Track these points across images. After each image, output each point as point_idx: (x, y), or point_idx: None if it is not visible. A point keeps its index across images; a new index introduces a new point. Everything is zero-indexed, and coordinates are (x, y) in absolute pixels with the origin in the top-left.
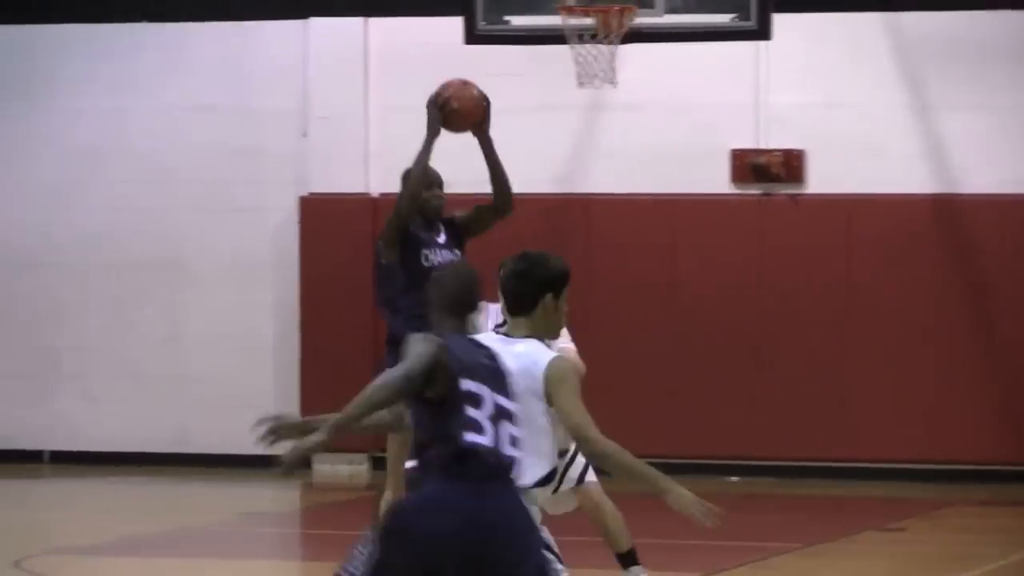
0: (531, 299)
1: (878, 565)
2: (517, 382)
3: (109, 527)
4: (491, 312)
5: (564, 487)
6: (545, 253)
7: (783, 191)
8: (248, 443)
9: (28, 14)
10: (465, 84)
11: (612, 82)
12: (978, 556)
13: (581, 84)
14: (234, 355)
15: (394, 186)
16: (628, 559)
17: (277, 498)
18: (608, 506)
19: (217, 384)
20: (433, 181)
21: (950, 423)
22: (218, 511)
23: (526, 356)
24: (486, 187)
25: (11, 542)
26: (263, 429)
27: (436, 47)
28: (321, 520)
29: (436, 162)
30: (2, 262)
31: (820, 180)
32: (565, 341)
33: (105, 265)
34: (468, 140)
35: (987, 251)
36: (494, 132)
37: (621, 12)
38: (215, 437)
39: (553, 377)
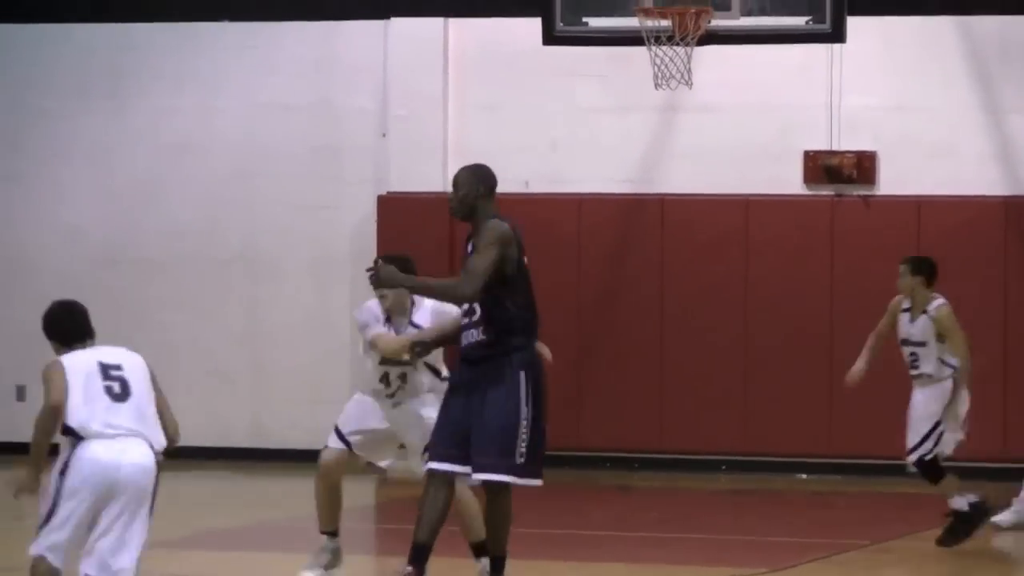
0: None
1: (944, 563)
2: None
3: (187, 521)
4: (427, 308)
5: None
6: None
7: (855, 192)
8: (322, 438)
9: (119, 13)
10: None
11: (688, 84)
12: None
13: (658, 86)
14: (311, 350)
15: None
16: (480, 550)
17: (352, 492)
18: (467, 496)
19: (294, 379)
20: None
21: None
22: (294, 505)
23: None
24: (562, 186)
25: None
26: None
27: (514, 47)
28: (395, 515)
29: (511, 161)
30: (88, 257)
31: (891, 181)
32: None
33: (188, 260)
34: (542, 140)
35: None
36: (573, 129)
37: (697, 15)
38: (292, 431)
39: None
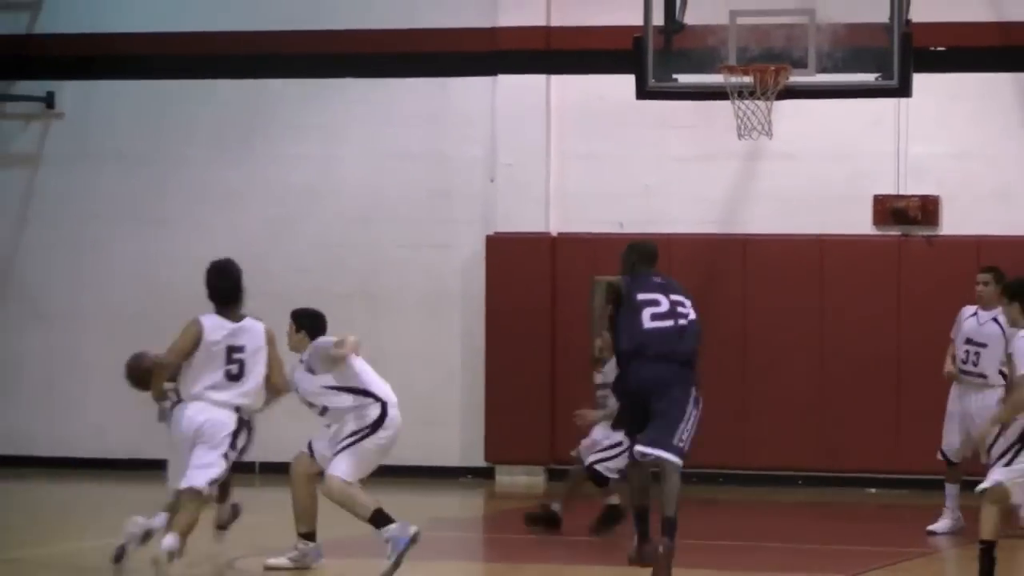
0: None
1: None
2: None
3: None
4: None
5: None
6: None
7: (919, 233)
8: (442, 455)
9: (253, 71)
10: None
11: (768, 134)
12: None
13: (741, 136)
14: (426, 377)
15: (570, 226)
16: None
17: (464, 505)
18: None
19: (411, 403)
20: None
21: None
22: (412, 516)
23: None
24: (654, 227)
25: (227, 545)
26: None
27: (610, 101)
28: (502, 526)
29: (607, 204)
30: None
31: (953, 223)
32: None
33: (313, 294)
34: (636, 185)
35: None
36: (663, 176)
37: (777, 72)
38: (409, 450)
39: None
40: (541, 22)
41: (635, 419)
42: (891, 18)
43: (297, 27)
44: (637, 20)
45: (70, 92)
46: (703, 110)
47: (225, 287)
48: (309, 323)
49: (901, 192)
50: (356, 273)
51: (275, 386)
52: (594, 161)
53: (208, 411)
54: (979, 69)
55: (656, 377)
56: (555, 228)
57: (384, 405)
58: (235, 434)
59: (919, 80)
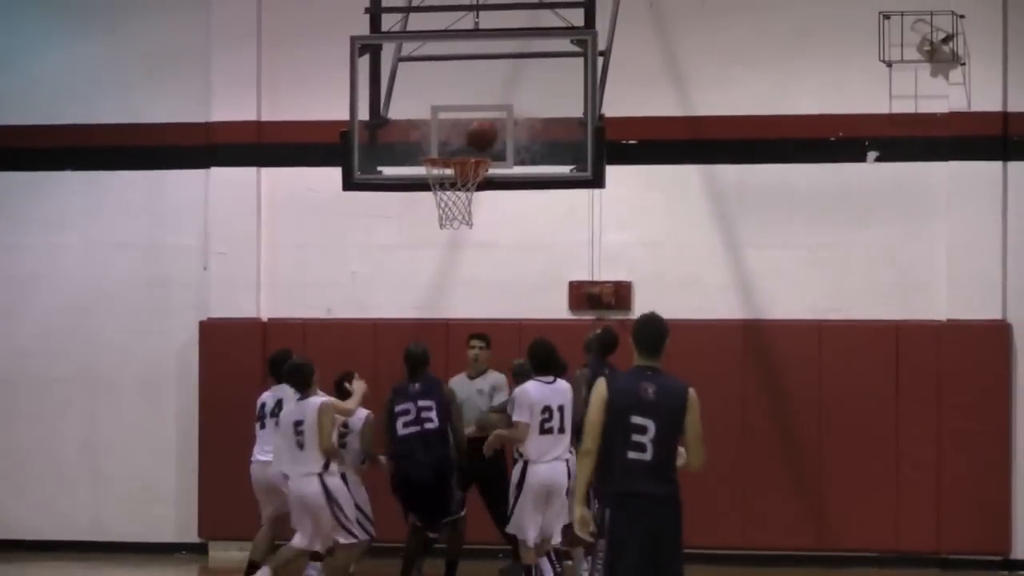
0: None
1: None
2: None
3: None
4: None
5: None
6: None
7: (613, 317)
8: (158, 532)
9: None
10: None
11: (469, 224)
12: None
13: (443, 226)
14: (144, 457)
15: (280, 311)
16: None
17: None
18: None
19: (129, 481)
20: None
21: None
22: None
23: None
24: (361, 312)
25: None
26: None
27: (318, 192)
28: None
29: (316, 291)
30: None
31: (645, 306)
32: None
33: (34, 378)
34: (344, 273)
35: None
36: (370, 263)
37: (476, 164)
38: (127, 526)
39: None
40: (252, 116)
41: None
42: (585, 113)
43: (17, 121)
44: (344, 115)
45: None
46: (408, 200)
47: None
48: None
49: (595, 278)
50: (75, 358)
51: None
52: (304, 249)
53: None
54: (669, 161)
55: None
56: (266, 314)
57: None
58: None
59: (612, 172)
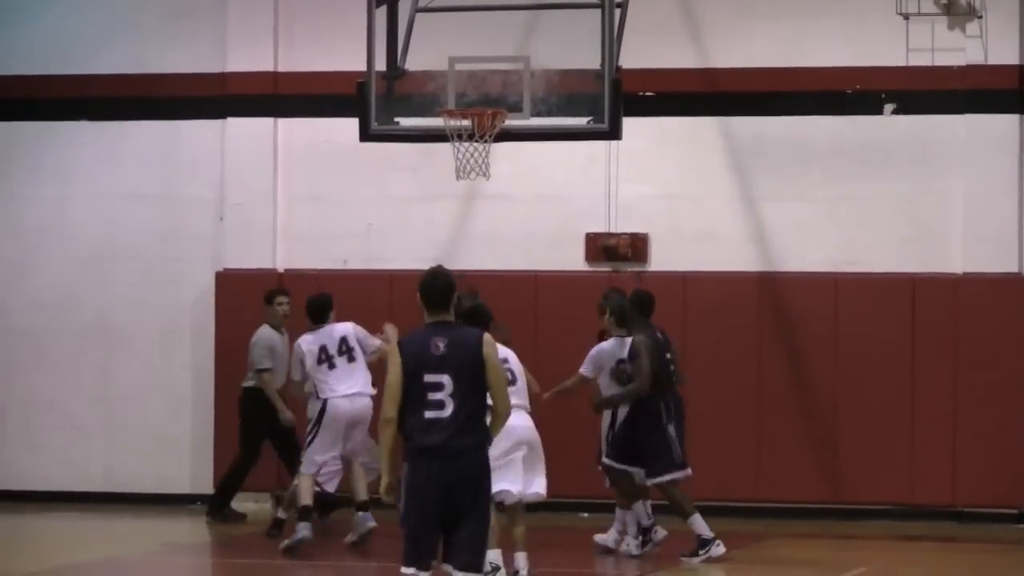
0: None
1: None
2: None
3: (48, 556)
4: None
5: None
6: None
7: (629, 269)
8: (173, 483)
9: None
10: None
11: (486, 175)
12: None
13: (459, 177)
14: (159, 409)
15: (296, 263)
16: None
17: (192, 532)
18: None
19: (142, 433)
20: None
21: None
22: (141, 543)
23: None
24: (376, 264)
25: None
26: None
27: (335, 143)
28: (229, 551)
29: (332, 243)
30: None
31: (661, 259)
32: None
33: (48, 330)
34: (359, 225)
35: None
36: (386, 215)
37: (493, 115)
38: (142, 479)
39: None
40: (269, 67)
41: None
42: (602, 65)
43: (31, 71)
44: (361, 66)
45: None
46: (424, 152)
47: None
48: None
49: (612, 230)
50: (91, 310)
51: None
52: (319, 201)
53: None
54: (685, 114)
55: None
56: (282, 265)
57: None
58: None
59: (629, 124)
